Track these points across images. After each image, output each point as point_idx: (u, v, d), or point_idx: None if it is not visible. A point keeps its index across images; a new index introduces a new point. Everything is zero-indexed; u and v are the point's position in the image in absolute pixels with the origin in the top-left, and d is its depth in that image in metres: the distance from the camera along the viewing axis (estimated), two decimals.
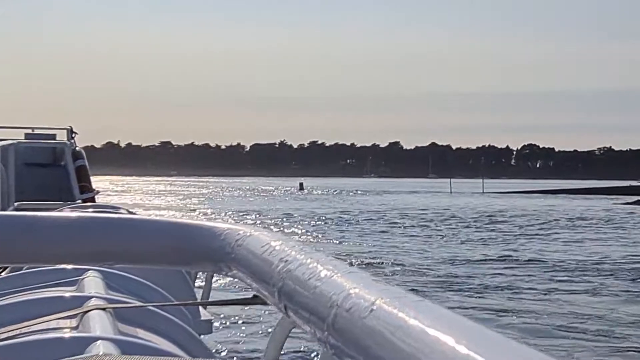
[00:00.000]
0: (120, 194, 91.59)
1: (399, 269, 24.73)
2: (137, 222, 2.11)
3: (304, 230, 39.54)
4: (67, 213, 2.14)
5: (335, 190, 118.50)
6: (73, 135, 19.60)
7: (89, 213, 2.35)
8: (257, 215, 51.87)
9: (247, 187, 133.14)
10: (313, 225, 43.76)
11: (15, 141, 19.03)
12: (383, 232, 39.88)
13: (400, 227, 43.76)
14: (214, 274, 6.91)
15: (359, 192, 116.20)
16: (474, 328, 0.96)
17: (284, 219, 48.70)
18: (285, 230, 37.32)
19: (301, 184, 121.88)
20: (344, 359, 1.17)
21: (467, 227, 44.53)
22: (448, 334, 0.94)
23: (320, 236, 36.42)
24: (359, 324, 1.12)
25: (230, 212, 55.23)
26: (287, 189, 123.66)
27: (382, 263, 26.07)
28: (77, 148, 19.02)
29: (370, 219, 49.76)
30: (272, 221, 45.80)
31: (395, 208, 65.65)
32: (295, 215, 53.31)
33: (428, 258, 28.04)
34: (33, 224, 2.05)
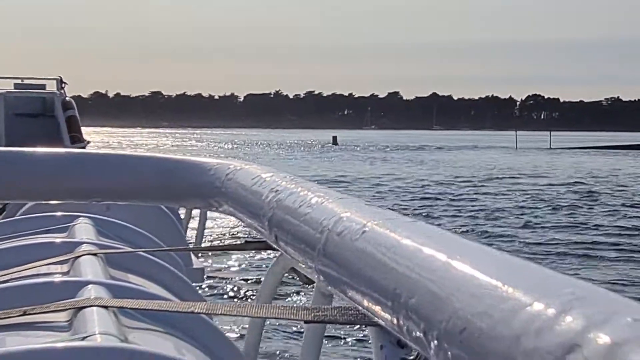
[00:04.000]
0: (117, 149, 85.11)
1: None
2: (126, 158, 2.11)
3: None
4: (54, 149, 2.14)
5: (371, 146, 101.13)
6: (63, 85, 19.74)
7: (77, 149, 2.35)
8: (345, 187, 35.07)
9: (266, 142, 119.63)
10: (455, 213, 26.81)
11: (4, 91, 19.16)
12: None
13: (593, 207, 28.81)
14: (206, 220, 7.03)
15: (400, 148, 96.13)
16: (467, 245, 0.97)
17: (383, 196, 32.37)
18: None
19: (334, 138, 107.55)
20: (336, 286, 1.18)
21: None
22: (442, 252, 0.95)
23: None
24: (350, 247, 1.13)
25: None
26: (315, 142, 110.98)
27: None
28: (67, 98, 19.21)
29: (510, 194, 33.67)
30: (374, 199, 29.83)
31: (493, 169, 49.03)
32: (386, 186, 36.91)
33: None
34: (19, 159, 2.06)
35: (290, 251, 1.39)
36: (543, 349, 0.70)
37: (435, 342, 0.86)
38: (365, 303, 1.07)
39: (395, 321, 0.98)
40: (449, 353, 0.83)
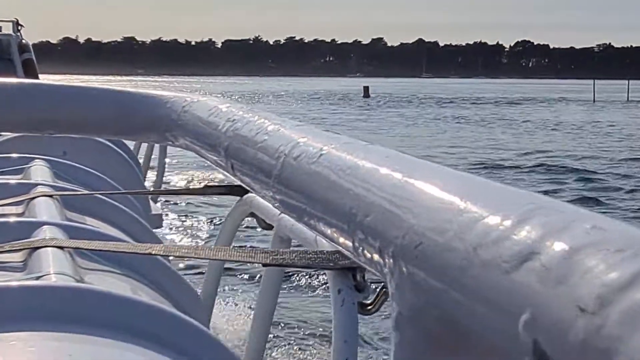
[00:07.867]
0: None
1: None
2: (81, 90, 2.10)
3: None
4: (6, 79, 2.11)
5: (404, 97, 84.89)
6: (19, 28, 19.49)
7: (30, 80, 2.33)
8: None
9: (266, 91, 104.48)
10: None
11: None
12: None
13: None
14: (165, 164, 7.04)
15: (460, 101, 78.16)
16: (425, 164, 0.97)
17: None
18: None
19: (366, 89, 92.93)
20: (292, 211, 1.17)
21: None
22: (398, 171, 0.94)
23: None
24: (307, 171, 1.12)
25: None
26: (334, 94, 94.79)
27: None
28: (23, 41, 18.97)
29: None
30: None
31: None
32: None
33: None
34: None
35: (246, 180, 1.39)
36: (500, 259, 0.70)
37: (391, 260, 0.86)
38: (321, 227, 1.06)
39: (350, 244, 0.98)
40: (404, 269, 0.83)
